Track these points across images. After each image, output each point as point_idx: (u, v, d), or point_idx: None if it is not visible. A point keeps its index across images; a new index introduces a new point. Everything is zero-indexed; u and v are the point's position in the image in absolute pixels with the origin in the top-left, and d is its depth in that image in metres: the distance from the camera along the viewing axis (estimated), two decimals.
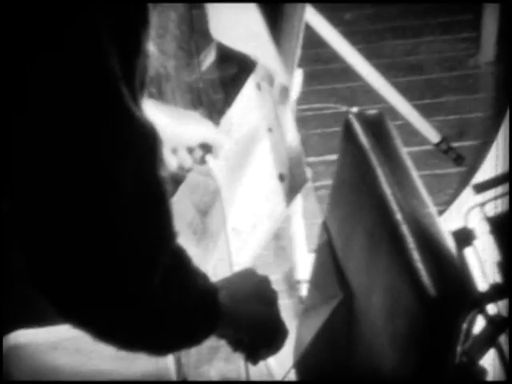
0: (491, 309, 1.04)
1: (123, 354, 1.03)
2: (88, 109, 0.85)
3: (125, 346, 1.02)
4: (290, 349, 1.47)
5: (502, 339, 1.06)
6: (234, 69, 1.77)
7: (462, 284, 1.04)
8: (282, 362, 1.56)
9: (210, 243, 1.51)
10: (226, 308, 1.10)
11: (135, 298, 0.95)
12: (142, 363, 1.23)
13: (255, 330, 1.19)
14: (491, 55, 3.13)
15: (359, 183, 1.26)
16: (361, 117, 1.28)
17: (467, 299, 1.03)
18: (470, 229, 1.07)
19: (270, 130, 1.55)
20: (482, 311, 1.03)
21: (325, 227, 1.40)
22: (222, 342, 1.19)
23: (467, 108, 3.00)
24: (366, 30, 3.35)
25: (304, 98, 1.90)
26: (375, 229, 1.19)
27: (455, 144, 2.76)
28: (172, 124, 1.37)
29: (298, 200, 2.02)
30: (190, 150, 1.41)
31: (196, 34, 1.93)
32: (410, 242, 1.08)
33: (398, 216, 1.12)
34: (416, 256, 1.06)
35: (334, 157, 1.39)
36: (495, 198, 1.09)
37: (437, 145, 2.72)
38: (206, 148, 1.44)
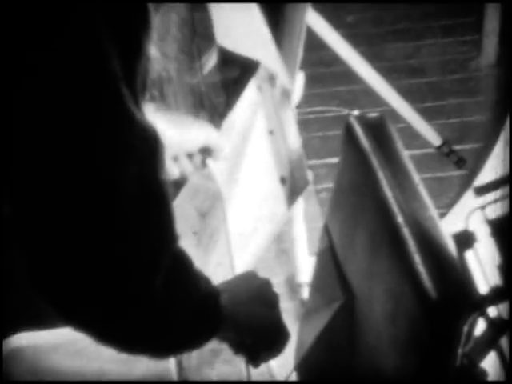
0: (492, 311, 1.04)
1: (124, 356, 1.03)
2: (89, 110, 0.85)
3: (126, 348, 1.02)
4: (291, 351, 1.47)
5: (503, 342, 1.06)
6: (236, 72, 1.77)
7: (462, 287, 1.04)
8: (283, 364, 1.56)
9: (210, 246, 1.51)
10: (227, 311, 1.10)
11: (136, 300, 0.95)
12: (143, 366, 1.23)
13: (257, 332, 1.19)
14: (493, 58, 3.13)
15: (360, 186, 1.26)
16: (362, 120, 1.28)
17: (468, 302, 1.03)
18: (471, 231, 1.07)
19: (271, 132, 1.55)
20: (483, 314, 1.03)
21: (326, 230, 1.40)
22: (224, 345, 1.19)
23: (469, 111, 3.00)
24: (368, 33, 3.35)
25: (306, 100, 1.90)
26: (376, 232, 1.19)
27: (457, 147, 2.76)
28: (171, 130, 1.37)
29: (300, 203, 2.02)
30: (190, 156, 1.41)
31: (198, 36, 1.93)
32: (411, 245, 1.08)
33: (399, 219, 1.12)
34: (417, 259, 1.06)
35: (335, 160, 1.39)
36: (496, 201, 1.09)
37: (438, 148, 2.72)
38: (207, 152, 1.44)
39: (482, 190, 1.09)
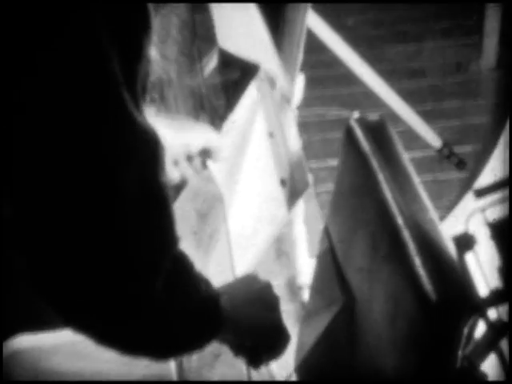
0: (492, 314, 1.04)
1: (125, 358, 1.03)
2: (89, 113, 0.85)
3: (126, 350, 1.02)
4: (291, 353, 1.47)
5: (503, 344, 1.06)
6: (237, 74, 1.77)
7: (462, 289, 1.04)
8: (283, 366, 1.56)
9: (210, 248, 1.51)
10: (227, 313, 1.10)
11: (137, 301, 0.95)
12: (143, 368, 1.23)
13: (257, 334, 1.19)
14: (493, 61, 3.14)
15: (360, 188, 1.26)
16: (362, 122, 1.28)
17: (468, 304, 1.03)
18: (471, 234, 1.07)
19: (271, 134, 1.55)
20: (483, 316, 1.03)
21: (326, 232, 1.40)
22: (224, 347, 1.19)
23: (469, 113, 3.01)
24: (368, 36, 3.35)
25: (306, 103, 1.90)
26: (376, 234, 1.19)
27: (457, 149, 2.76)
28: (171, 133, 1.37)
29: (300, 205, 2.02)
30: (189, 158, 1.41)
31: (198, 38, 1.93)
32: (411, 248, 1.08)
33: (399, 221, 1.12)
34: (417, 261, 1.06)
35: (335, 162, 1.39)
36: (496, 203, 1.09)
37: (439, 150, 2.72)
38: (206, 154, 1.44)
39: (481, 192, 1.09)
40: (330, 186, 1.43)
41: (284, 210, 1.48)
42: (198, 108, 1.92)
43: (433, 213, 1.14)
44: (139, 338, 1.00)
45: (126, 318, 0.96)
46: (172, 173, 1.40)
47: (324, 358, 1.40)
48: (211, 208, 1.53)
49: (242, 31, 1.58)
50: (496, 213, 1.09)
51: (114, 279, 0.92)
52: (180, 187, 1.51)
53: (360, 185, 1.26)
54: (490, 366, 1.07)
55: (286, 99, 1.58)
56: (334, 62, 2.61)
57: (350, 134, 1.28)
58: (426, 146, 2.71)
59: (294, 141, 1.53)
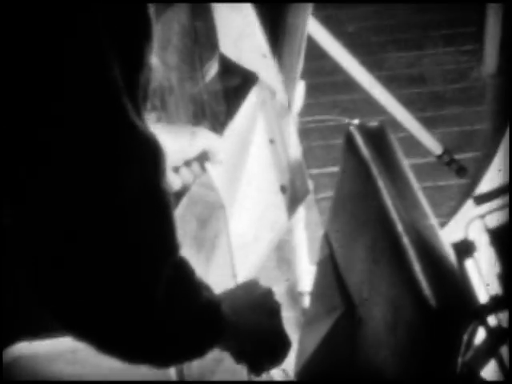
0: (492, 320, 1.04)
1: (125, 365, 1.03)
2: (90, 120, 0.85)
3: (127, 357, 1.02)
4: (292, 360, 1.47)
5: (503, 350, 1.06)
6: (237, 81, 1.78)
7: (462, 295, 1.04)
8: (284, 373, 1.56)
9: (211, 254, 1.51)
10: (229, 319, 1.10)
11: (137, 309, 0.95)
12: (143, 374, 1.23)
13: (258, 341, 1.19)
14: (493, 68, 3.14)
15: (360, 195, 1.26)
16: (362, 128, 1.28)
17: (468, 311, 1.03)
18: (471, 240, 1.07)
19: (271, 141, 1.55)
20: (483, 322, 1.03)
21: (326, 239, 1.40)
22: (226, 354, 1.19)
23: (469, 120, 3.01)
24: (369, 42, 3.35)
25: (306, 109, 1.90)
26: (376, 240, 1.19)
27: (457, 156, 2.76)
28: (169, 141, 1.37)
29: (300, 212, 2.02)
30: (188, 163, 1.41)
31: (199, 45, 1.93)
32: (411, 254, 1.08)
33: (399, 228, 1.12)
34: (417, 268, 1.06)
35: (336, 169, 1.39)
36: (495, 210, 1.09)
37: (439, 157, 2.72)
38: (205, 157, 1.44)
39: (481, 199, 1.09)
40: (330, 193, 1.43)
41: (284, 216, 1.48)
42: (199, 114, 1.92)
43: (433, 219, 1.14)
44: (140, 345, 1.00)
45: (126, 324, 0.96)
46: (173, 180, 1.40)
47: (324, 364, 1.40)
48: (212, 215, 1.53)
49: (240, 38, 1.58)
50: (496, 219, 1.10)
51: (114, 286, 0.92)
52: (181, 194, 1.51)
53: (360, 191, 1.26)
54: (490, 372, 1.07)
55: (287, 106, 1.59)
56: (334, 68, 2.61)
57: (350, 141, 1.28)
58: (426, 152, 2.71)
59: (294, 147, 1.53)
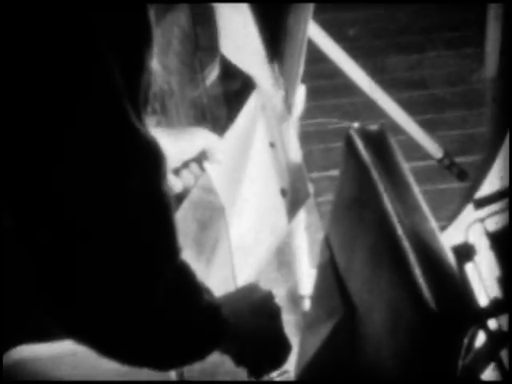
0: (492, 324, 1.04)
1: (126, 368, 1.03)
2: (91, 124, 0.85)
3: (128, 361, 1.02)
4: (292, 363, 1.47)
5: (503, 354, 1.06)
6: (238, 84, 1.78)
7: (462, 299, 1.04)
8: (284, 376, 1.56)
9: (212, 258, 1.51)
10: (229, 323, 1.10)
11: (138, 311, 0.95)
12: (144, 377, 1.23)
13: (258, 344, 1.19)
14: (494, 71, 3.14)
15: (360, 198, 1.26)
16: (362, 132, 1.28)
17: (468, 314, 1.03)
18: (471, 244, 1.07)
19: (272, 145, 1.55)
20: (483, 326, 1.03)
21: (327, 242, 1.40)
22: (226, 357, 1.19)
23: (470, 123, 3.01)
24: (369, 46, 3.36)
25: (307, 113, 1.90)
26: (376, 244, 1.19)
27: (458, 159, 2.76)
28: (168, 143, 1.37)
29: (301, 215, 2.02)
30: (187, 164, 1.42)
31: (200, 49, 1.94)
32: (411, 258, 1.08)
33: (399, 231, 1.12)
34: (417, 271, 1.06)
35: (337, 172, 1.39)
36: (495, 213, 1.09)
37: (440, 160, 2.72)
38: (203, 156, 1.44)
39: (481, 203, 1.09)
40: (330, 196, 1.43)
41: (284, 219, 1.48)
42: (199, 118, 1.92)
43: (433, 223, 1.14)
44: (140, 348, 1.00)
45: (126, 327, 0.96)
46: (174, 182, 1.40)
47: (325, 366, 1.40)
48: (212, 218, 1.53)
49: (240, 40, 1.59)
50: (496, 223, 1.10)
51: (115, 289, 0.92)
52: (182, 196, 1.51)
53: (360, 195, 1.26)
54: (490, 375, 1.07)
55: (287, 109, 1.59)
56: (334, 72, 2.61)
57: (350, 144, 1.28)
58: (426, 155, 2.71)
59: (294, 151, 1.53)
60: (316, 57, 2.22)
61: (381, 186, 1.19)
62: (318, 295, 1.49)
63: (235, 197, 1.50)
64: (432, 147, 2.69)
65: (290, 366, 1.44)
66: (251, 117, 1.56)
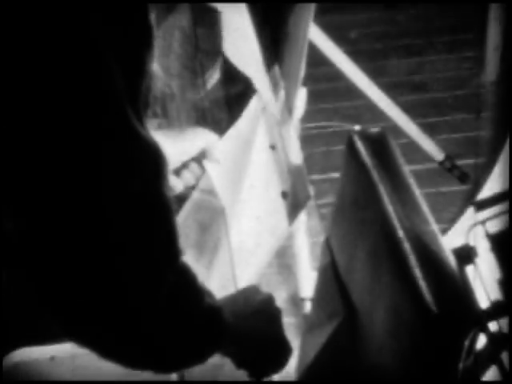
0: (493, 326, 1.05)
1: (126, 371, 1.03)
2: (92, 128, 0.85)
3: (130, 363, 1.02)
4: (293, 366, 1.47)
5: (504, 356, 1.06)
6: (239, 88, 1.78)
7: (463, 301, 1.04)
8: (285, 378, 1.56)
9: (212, 260, 1.51)
10: (230, 325, 1.10)
11: (139, 314, 0.95)
12: (144, 378, 1.23)
13: (259, 347, 1.19)
14: (495, 75, 3.14)
15: (361, 201, 1.26)
16: (363, 135, 1.28)
17: (469, 317, 1.03)
18: (472, 246, 1.07)
19: (273, 147, 1.55)
20: (484, 328, 1.03)
21: (327, 245, 1.40)
22: (226, 360, 1.19)
23: (471, 126, 3.01)
24: (371, 49, 3.36)
25: (308, 116, 1.91)
26: (377, 246, 1.19)
27: (459, 162, 2.76)
28: (168, 144, 1.37)
29: (302, 217, 2.03)
30: (187, 164, 1.42)
31: (201, 52, 1.94)
32: (412, 260, 1.08)
33: (400, 233, 1.12)
34: (418, 273, 1.06)
35: (338, 175, 1.39)
36: (496, 216, 1.09)
37: (441, 163, 2.72)
38: (202, 155, 1.44)
39: (481, 205, 1.09)
40: (331, 199, 1.43)
41: (285, 222, 1.48)
42: (200, 121, 1.92)
43: (433, 225, 1.14)
44: (141, 350, 1.00)
45: (128, 330, 0.96)
46: (175, 183, 1.40)
47: (326, 369, 1.40)
48: (213, 220, 1.53)
49: (239, 44, 1.59)
50: (496, 225, 1.10)
51: (116, 292, 0.92)
52: (183, 198, 1.51)
53: (361, 197, 1.26)
54: (490, 377, 1.07)
55: (288, 112, 1.59)
56: (336, 75, 2.61)
57: (351, 147, 1.28)
58: (427, 158, 2.71)
59: (295, 153, 1.53)
60: (317, 60, 2.22)
61: (382, 189, 1.19)
62: (319, 297, 1.50)
63: (236, 199, 1.50)
64: (433, 150, 2.69)
65: (291, 369, 1.44)
66: (252, 119, 1.56)
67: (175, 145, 1.37)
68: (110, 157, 0.87)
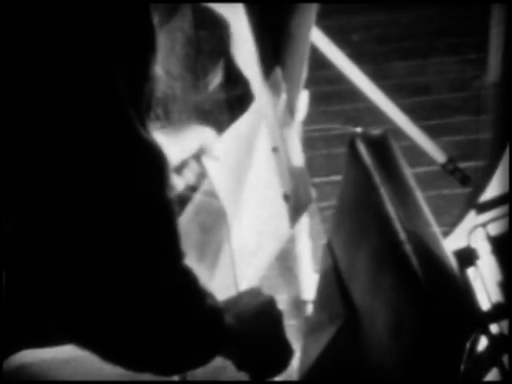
0: (494, 328, 1.05)
1: (130, 373, 1.03)
2: (97, 132, 0.85)
3: (131, 365, 1.02)
4: (295, 368, 1.47)
5: (505, 358, 1.06)
6: (241, 90, 1.78)
7: (464, 304, 1.04)
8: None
9: (214, 262, 1.51)
10: (231, 328, 1.10)
11: (141, 317, 0.95)
12: (146, 379, 1.23)
13: (260, 349, 1.19)
14: (498, 77, 3.14)
15: (363, 203, 1.26)
16: (365, 137, 1.28)
17: (470, 319, 1.03)
18: (473, 248, 1.07)
19: (274, 149, 1.56)
20: (485, 331, 1.03)
21: (329, 247, 1.41)
22: (228, 362, 1.19)
23: (473, 129, 3.01)
24: (373, 52, 3.36)
25: (310, 118, 1.91)
26: (379, 248, 1.19)
27: (461, 164, 2.76)
28: (166, 143, 1.37)
29: (304, 220, 2.03)
30: (186, 162, 1.42)
31: (203, 55, 1.94)
32: (414, 262, 1.08)
33: (402, 236, 1.12)
34: (419, 276, 1.07)
35: (340, 177, 1.39)
36: (498, 218, 1.09)
37: (443, 165, 2.72)
38: (201, 151, 1.44)
39: (482, 207, 1.10)
40: (333, 202, 1.43)
41: (287, 225, 1.48)
42: (202, 124, 1.92)
43: (435, 227, 1.14)
44: (143, 352, 1.00)
45: (129, 332, 0.96)
46: (176, 181, 1.40)
47: (327, 372, 1.40)
48: (215, 223, 1.54)
49: (239, 45, 1.59)
50: (497, 228, 1.10)
51: (118, 294, 0.92)
52: (183, 197, 1.51)
53: (363, 200, 1.26)
54: (491, 379, 1.07)
55: (290, 114, 1.59)
56: (338, 78, 2.61)
57: (353, 150, 1.28)
58: (430, 161, 2.71)
59: (297, 156, 1.53)
60: (319, 62, 2.23)
61: (383, 191, 1.19)
62: (321, 300, 1.50)
63: (238, 201, 1.50)
64: (435, 152, 2.69)
65: (292, 371, 1.44)
66: (254, 122, 1.56)
67: (175, 143, 1.37)
68: (111, 160, 0.87)
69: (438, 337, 1.04)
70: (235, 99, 1.78)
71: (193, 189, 1.52)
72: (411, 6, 3.47)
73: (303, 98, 1.81)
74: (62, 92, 0.83)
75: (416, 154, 2.63)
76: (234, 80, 1.73)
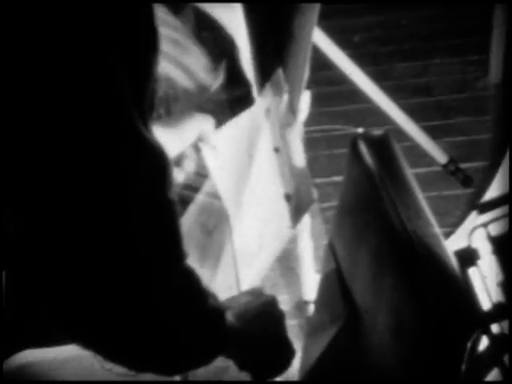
0: (495, 328, 1.05)
1: (129, 373, 1.03)
2: (99, 133, 0.86)
3: (133, 365, 1.02)
4: (296, 368, 1.47)
5: (506, 358, 1.06)
6: (243, 90, 1.78)
7: (465, 304, 1.04)
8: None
9: (216, 263, 1.51)
10: (233, 328, 1.11)
11: (143, 317, 0.95)
12: (147, 379, 1.24)
13: (262, 349, 1.19)
14: (499, 78, 3.14)
15: (365, 204, 1.26)
16: (367, 138, 1.28)
17: (471, 319, 1.03)
18: (474, 249, 1.07)
19: (276, 150, 1.56)
20: (486, 331, 1.03)
21: (331, 248, 1.41)
22: (230, 362, 1.19)
23: (475, 130, 3.01)
24: (375, 53, 3.37)
25: (313, 119, 1.91)
26: (380, 249, 1.19)
27: (463, 165, 2.76)
28: (166, 136, 1.37)
29: (306, 220, 2.03)
30: (185, 154, 1.42)
31: (205, 56, 1.94)
32: (415, 262, 1.09)
33: (403, 236, 1.12)
34: (420, 276, 1.07)
35: (342, 178, 1.39)
36: (498, 218, 1.10)
37: (445, 166, 2.72)
38: (200, 141, 1.44)
39: (483, 208, 1.10)
40: (335, 202, 1.43)
41: (289, 225, 1.48)
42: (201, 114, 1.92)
43: (436, 228, 1.14)
44: (145, 352, 1.00)
45: (131, 332, 0.96)
46: (176, 173, 1.40)
47: (328, 372, 1.40)
48: (217, 223, 1.54)
49: (239, 46, 1.59)
50: (498, 228, 1.10)
51: (120, 294, 0.92)
52: (184, 197, 1.51)
53: (364, 200, 1.26)
54: (492, 379, 1.07)
55: (292, 115, 1.59)
56: (340, 78, 2.62)
57: (354, 150, 1.28)
58: (431, 162, 2.71)
59: (299, 156, 1.53)
60: (321, 63, 2.23)
61: (385, 192, 1.19)
62: (322, 300, 1.50)
63: (239, 202, 1.50)
64: (437, 153, 2.69)
65: (294, 371, 1.44)
66: (255, 122, 1.56)
67: (173, 135, 1.37)
68: (114, 160, 0.87)
69: (438, 337, 1.04)
70: (237, 100, 1.78)
71: (195, 189, 1.52)
72: (412, 6, 3.47)
73: (305, 99, 1.81)
74: (64, 92, 0.83)
75: (417, 155, 2.63)
76: (236, 80, 1.73)
